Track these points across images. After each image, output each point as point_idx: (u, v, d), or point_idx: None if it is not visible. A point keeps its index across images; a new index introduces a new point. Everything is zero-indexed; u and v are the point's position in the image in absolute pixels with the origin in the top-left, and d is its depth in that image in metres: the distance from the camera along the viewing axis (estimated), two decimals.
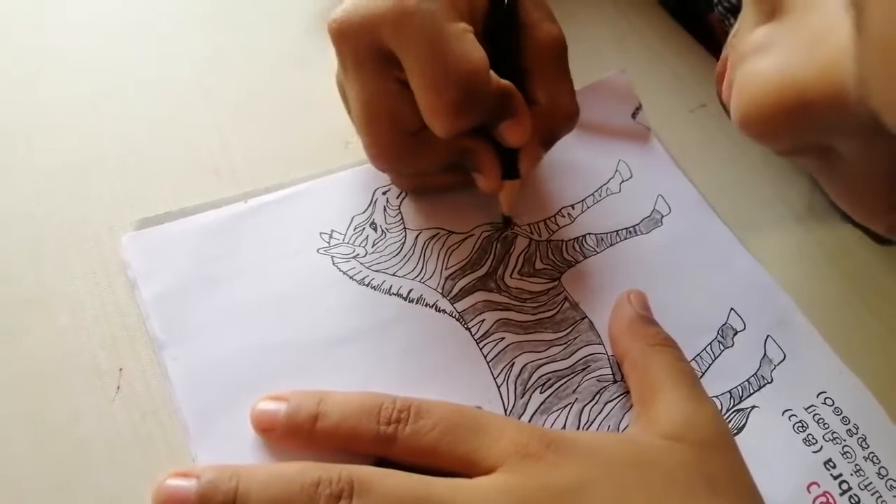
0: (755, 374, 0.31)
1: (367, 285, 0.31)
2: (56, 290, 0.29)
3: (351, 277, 0.31)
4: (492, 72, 0.28)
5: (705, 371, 0.31)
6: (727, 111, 0.24)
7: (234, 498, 0.23)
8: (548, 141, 0.32)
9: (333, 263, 0.31)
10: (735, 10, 0.40)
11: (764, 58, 0.20)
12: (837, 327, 0.33)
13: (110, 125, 0.34)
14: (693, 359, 0.31)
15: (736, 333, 0.32)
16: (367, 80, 0.29)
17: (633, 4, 0.44)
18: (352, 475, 0.23)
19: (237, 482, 0.23)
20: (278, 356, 0.28)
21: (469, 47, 0.27)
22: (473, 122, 0.28)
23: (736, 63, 0.22)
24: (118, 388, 0.27)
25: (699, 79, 0.41)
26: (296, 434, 0.26)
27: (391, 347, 0.30)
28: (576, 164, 0.36)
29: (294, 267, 0.31)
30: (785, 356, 0.32)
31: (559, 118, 0.31)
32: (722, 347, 0.32)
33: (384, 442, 0.25)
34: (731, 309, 0.33)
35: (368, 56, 0.28)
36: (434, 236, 0.33)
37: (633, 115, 0.38)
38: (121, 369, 0.28)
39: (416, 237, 0.33)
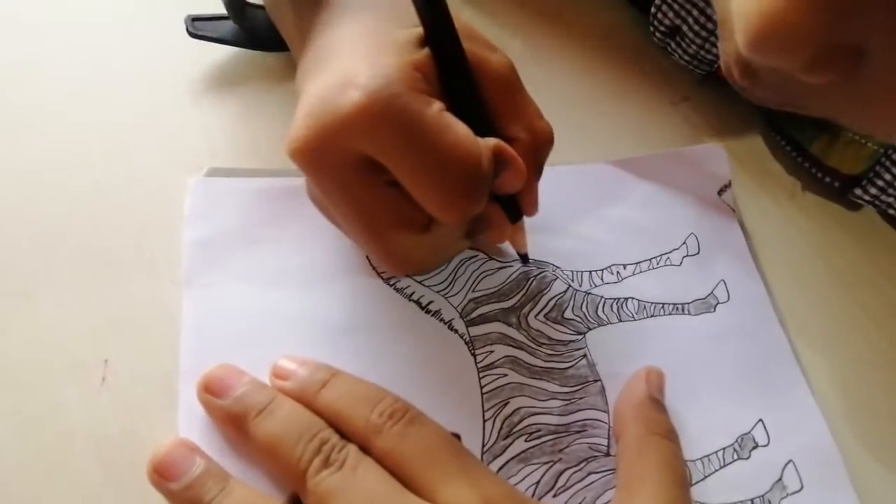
0: (762, 496, 0.28)
1: (391, 285, 0.31)
2: (40, 283, 0.30)
3: (378, 273, 0.32)
4: (476, 138, 0.26)
5: (708, 475, 0.29)
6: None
7: (263, 408, 0.26)
8: (538, 171, 0.30)
9: (367, 256, 0.32)
10: (672, 33, 0.39)
11: None
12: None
13: (95, 121, 0.35)
14: (699, 458, 0.29)
15: (756, 447, 0.30)
16: (354, 195, 0.25)
17: None
18: (350, 453, 0.25)
19: (272, 398, 0.26)
20: (286, 325, 0.30)
21: (455, 130, 0.25)
22: (484, 198, 0.26)
23: None
24: (103, 379, 0.28)
25: (681, 71, 0.41)
26: (301, 395, 0.27)
27: (392, 350, 0.30)
28: (643, 224, 0.35)
29: (330, 249, 0.32)
30: (802, 488, 0.29)
31: (542, 145, 0.29)
32: (735, 457, 0.29)
33: (370, 431, 0.25)
34: (760, 420, 0.30)
35: (345, 170, 0.25)
36: (472, 257, 0.33)
37: (720, 192, 0.36)
38: (106, 361, 0.28)
39: None
